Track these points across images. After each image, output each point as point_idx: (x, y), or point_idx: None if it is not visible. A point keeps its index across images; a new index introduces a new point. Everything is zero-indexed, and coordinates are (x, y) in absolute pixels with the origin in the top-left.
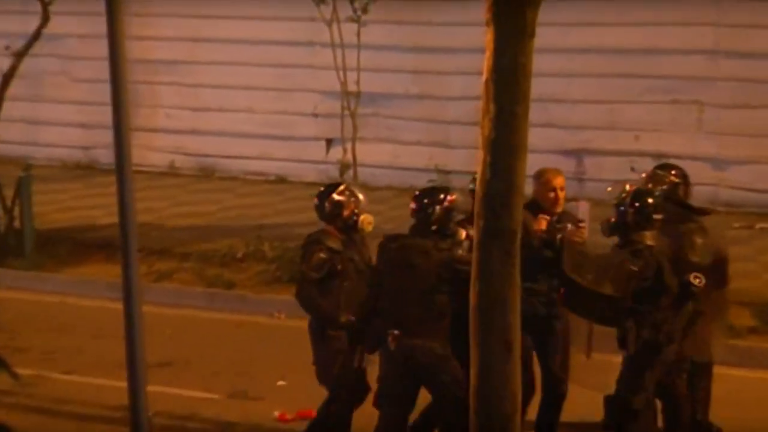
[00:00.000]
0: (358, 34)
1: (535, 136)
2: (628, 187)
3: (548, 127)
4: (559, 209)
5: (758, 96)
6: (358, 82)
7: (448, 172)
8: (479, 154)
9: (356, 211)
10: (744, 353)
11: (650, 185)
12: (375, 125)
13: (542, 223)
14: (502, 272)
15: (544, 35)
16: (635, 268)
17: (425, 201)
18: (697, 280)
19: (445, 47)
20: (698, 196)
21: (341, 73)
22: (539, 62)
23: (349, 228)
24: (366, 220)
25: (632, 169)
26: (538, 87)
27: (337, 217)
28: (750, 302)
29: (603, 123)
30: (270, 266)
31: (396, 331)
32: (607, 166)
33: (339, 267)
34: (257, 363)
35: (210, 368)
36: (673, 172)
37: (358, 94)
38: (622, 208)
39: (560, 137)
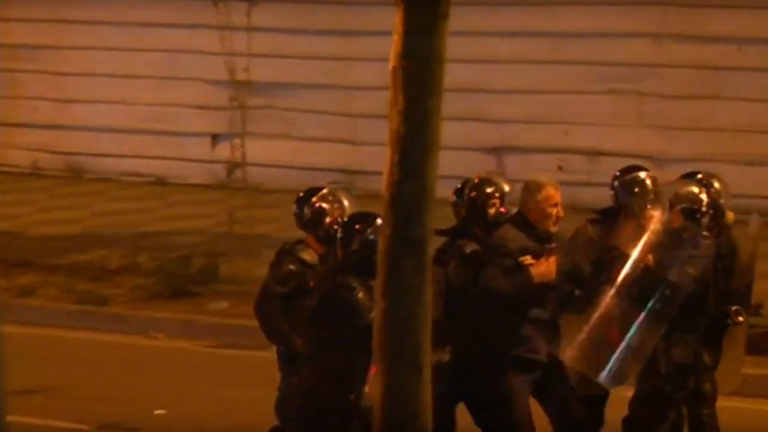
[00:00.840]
0: (249, 15)
1: (450, 131)
2: None
3: (465, 120)
4: (555, 228)
5: (707, 85)
6: (248, 70)
7: (354, 173)
8: (387, 152)
9: (340, 219)
10: None
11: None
12: (269, 119)
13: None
14: (414, 287)
15: (461, 16)
16: None
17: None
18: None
19: (350, 30)
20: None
21: (229, 59)
22: (455, 47)
23: (332, 238)
24: None
25: (560, 168)
26: (454, 75)
27: (317, 226)
28: None
29: (528, 116)
30: (148, 280)
31: None
32: (532, 165)
33: (311, 283)
34: (133, 389)
35: (80, 396)
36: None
37: (248, 84)
38: None
39: (479, 132)
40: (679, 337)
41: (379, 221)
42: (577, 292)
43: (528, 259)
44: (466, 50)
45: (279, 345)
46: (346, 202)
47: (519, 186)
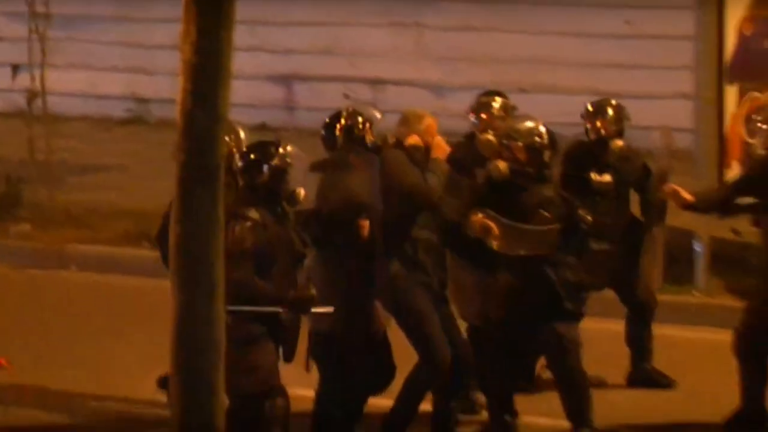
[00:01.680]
0: None
1: (241, 61)
2: None
3: (256, 51)
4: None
5: (481, 18)
6: (47, 3)
7: (148, 101)
8: (180, 82)
9: (236, 150)
10: None
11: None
12: (68, 50)
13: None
14: (206, 211)
15: None
16: None
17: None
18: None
19: None
20: None
21: None
22: None
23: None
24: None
25: (346, 96)
26: (246, 8)
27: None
28: None
29: (315, 47)
30: None
31: None
32: (319, 94)
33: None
34: None
35: None
36: None
37: (48, 16)
38: None
39: (269, 62)
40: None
41: (281, 150)
42: None
43: None
44: None
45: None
46: (242, 134)
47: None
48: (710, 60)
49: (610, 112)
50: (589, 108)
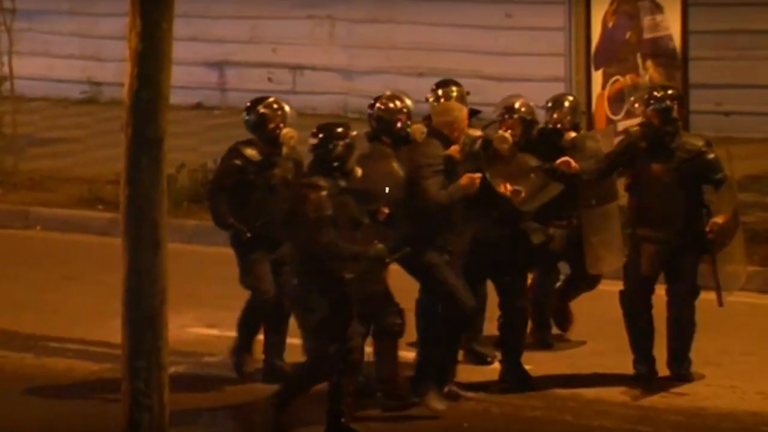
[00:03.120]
0: None
1: (180, 49)
2: None
3: (193, 40)
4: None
5: (385, 11)
6: (14, 1)
7: (100, 84)
8: (128, 67)
9: (281, 125)
10: None
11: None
12: (31, 40)
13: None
14: (151, 177)
15: None
16: None
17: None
18: None
19: None
20: (330, 104)
21: None
22: None
23: (272, 141)
24: (288, 134)
25: (270, 80)
26: (183, 3)
27: (260, 129)
28: None
29: (243, 37)
30: None
31: None
32: (247, 77)
33: (251, 177)
34: None
35: None
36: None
37: (14, 11)
38: None
39: (204, 50)
40: None
41: (351, 132)
42: None
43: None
44: None
45: (225, 230)
46: (288, 110)
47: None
48: (579, 48)
49: (566, 105)
50: (548, 103)
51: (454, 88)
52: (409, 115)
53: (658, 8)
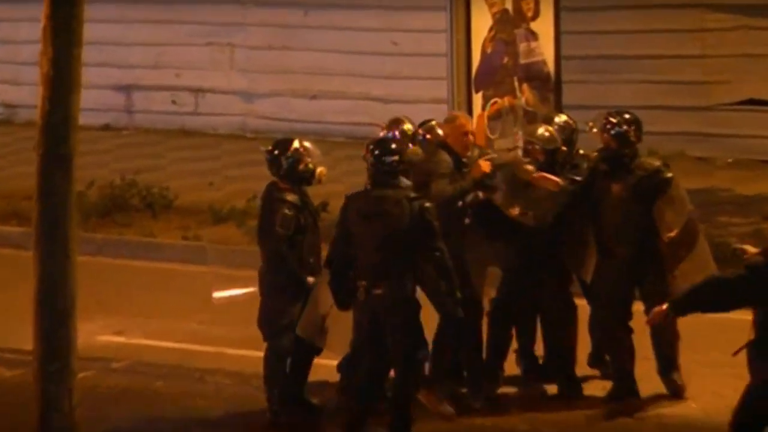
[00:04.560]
0: None
1: (90, 74)
2: None
3: (103, 66)
4: (469, 152)
5: (280, 39)
6: None
7: (15, 107)
8: (40, 90)
9: (310, 164)
10: None
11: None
12: None
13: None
14: (62, 193)
15: None
16: None
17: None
18: None
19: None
20: (230, 125)
21: None
22: (96, 11)
23: (302, 181)
24: (323, 172)
25: (173, 102)
26: (95, 32)
27: (293, 170)
28: None
29: (150, 63)
30: None
31: (363, 282)
32: (152, 100)
33: (302, 221)
34: None
35: None
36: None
37: None
38: None
39: (113, 75)
40: None
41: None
42: None
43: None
44: (105, 13)
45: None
46: (310, 147)
47: None
48: (460, 72)
49: (559, 122)
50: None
51: (408, 126)
52: (410, 138)
53: (533, 35)
